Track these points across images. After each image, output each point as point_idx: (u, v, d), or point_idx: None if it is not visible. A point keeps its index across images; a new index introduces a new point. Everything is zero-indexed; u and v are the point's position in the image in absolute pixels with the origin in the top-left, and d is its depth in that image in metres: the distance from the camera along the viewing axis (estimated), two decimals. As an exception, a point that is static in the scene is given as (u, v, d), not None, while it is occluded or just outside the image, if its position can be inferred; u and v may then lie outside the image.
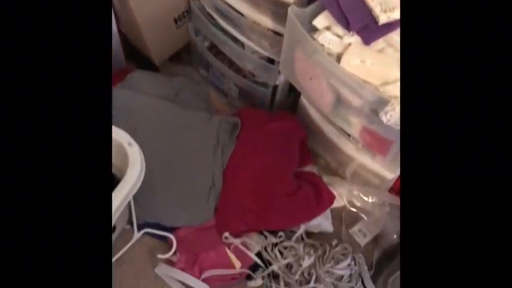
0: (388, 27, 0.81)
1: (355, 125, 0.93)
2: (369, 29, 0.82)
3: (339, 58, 0.85)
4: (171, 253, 1.09)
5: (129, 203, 1.03)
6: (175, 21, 1.25)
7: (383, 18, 0.79)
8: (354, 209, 1.18)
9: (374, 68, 0.82)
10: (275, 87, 1.22)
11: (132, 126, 1.09)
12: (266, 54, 1.12)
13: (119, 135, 0.96)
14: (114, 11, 1.15)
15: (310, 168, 1.19)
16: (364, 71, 0.82)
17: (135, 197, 0.97)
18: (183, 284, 1.08)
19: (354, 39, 0.84)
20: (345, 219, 1.21)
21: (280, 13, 1.01)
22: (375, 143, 0.93)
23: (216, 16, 1.17)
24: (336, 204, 1.16)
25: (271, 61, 1.14)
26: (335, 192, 1.14)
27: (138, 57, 1.33)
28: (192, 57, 1.39)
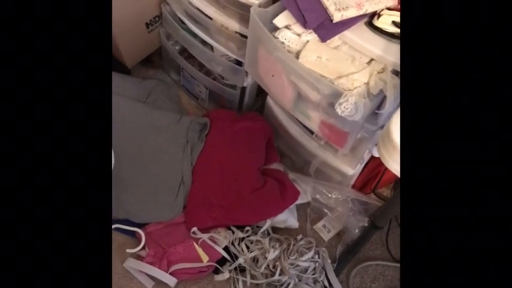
0: (343, 25, 0.87)
1: (315, 119, 0.99)
2: (325, 27, 0.88)
3: (297, 55, 0.91)
4: (139, 248, 1.12)
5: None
6: (147, 25, 1.30)
7: (337, 17, 0.86)
8: (318, 205, 1.23)
9: (329, 63, 0.88)
10: (243, 89, 1.27)
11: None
12: (234, 56, 1.18)
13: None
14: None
15: (276, 165, 1.23)
16: (321, 66, 0.88)
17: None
18: (151, 277, 1.11)
19: (312, 37, 0.90)
20: (309, 215, 1.25)
21: (246, 16, 1.07)
22: (332, 135, 0.98)
23: (186, 20, 1.22)
24: (301, 200, 1.21)
25: (239, 63, 1.20)
26: (300, 189, 1.19)
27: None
28: (163, 61, 1.43)
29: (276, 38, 0.92)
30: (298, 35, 0.91)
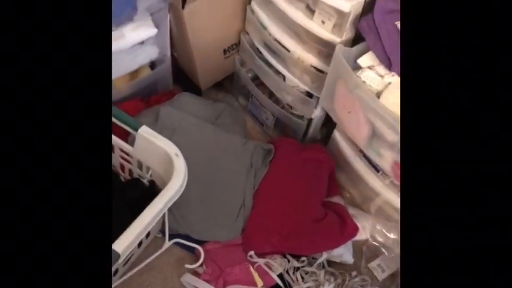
0: (427, 71, 0.89)
1: (387, 158, 1.00)
2: (408, 71, 0.90)
3: (378, 95, 0.93)
4: (198, 264, 1.15)
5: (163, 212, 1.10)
6: (225, 51, 1.36)
7: (423, 63, 0.88)
8: (375, 243, 1.23)
9: (411, 106, 0.89)
10: (310, 120, 1.30)
11: (175, 142, 1.18)
12: (306, 88, 1.21)
13: (167, 145, 1.04)
14: (170, 37, 1.26)
15: (336, 199, 1.24)
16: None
17: (169, 208, 1.03)
18: (206, 295, 1.13)
19: (394, 79, 0.93)
20: (365, 252, 1.25)
21: (324, 52, 1.11)
22: (404, 176, 0.99)
23: (263, 50, 1.27)
24: (359, 236, 1.21)
25: (309, 95, 1.23)
26: (359, 225, 1.20)
27: (184, 81, 1.44)
28: (233, 86, 1.49)
29: (358, 76, 0.95)
30: (381, 76, 0.94)
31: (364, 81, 0.94)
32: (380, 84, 0.93)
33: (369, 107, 0.94)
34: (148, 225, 0.94)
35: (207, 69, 1.37)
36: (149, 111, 1.28)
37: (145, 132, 1.03)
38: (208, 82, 1.43)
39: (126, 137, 1.11)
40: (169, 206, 1.01)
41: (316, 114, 1.27)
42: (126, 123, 1.03)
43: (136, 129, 1.02)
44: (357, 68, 0.97)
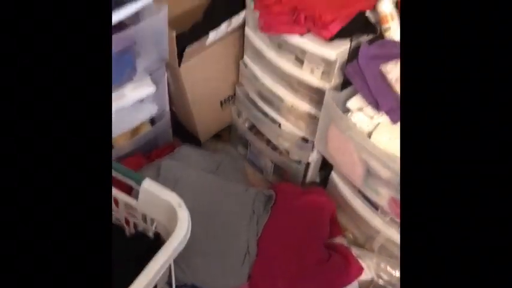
0: (413, 109, 0.94)
1: (384, 195, 1.03)
2: (396, 111, 0.95)
3: (369, 135, 0.98)
4: (205, 315, 1.14)
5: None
6: (221, 103, 1.42)
7: (408, 102, 0.93)
8: (381, 282, 1.23)
9: (401, 143, 0.93)
10: (308, 164, 1.34)
11: (178, 193, 1.21)
12: (301, 134, 1.26)
13: (170, 196, 1.06)
14: (168, 93, 1.32)
15: (339, 239, 1.26)
16: (393, 146, 0.94)
17: (175, 259, 1.04)
18: None
19: (383, 119, 0.97)
20: (372, 292, 1.25)
21: (315, 98, 1.16)
22: (402, 212, 1.01)
23: (257, 100, 1.33)
24: (364, 276, 1.21)
25: (305, 140, 1.28)
26: (363, 264, 1.20)
27: (184, 134, 1.49)
28: (232, 136, 1.54)
29: (348, 119, 0.99)
30: (371, 117, 0.98)
31: (354, 123, 0.99)
32: (370, 124, 0.98)
33: (362, 147, 0.98)
34: (154, 278, 0.95)
35: (205, 121, 1.43)
36: (151, 165, 1.32)
37: (148, 185, 1.06)
38: (207, 134, 1.48)
39: (130, 192, 1.14)
40: (174, 257, 1.03)
41: (313, 158, 1.31)
42: (129, 177, 1.06)
43: (139, 183, 1.06)
44: (347, 110, 1.02)
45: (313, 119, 1.20)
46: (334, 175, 1.28)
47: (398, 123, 0.96)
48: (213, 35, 1.21)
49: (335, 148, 1.09)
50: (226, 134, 1.55)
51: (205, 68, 1.30)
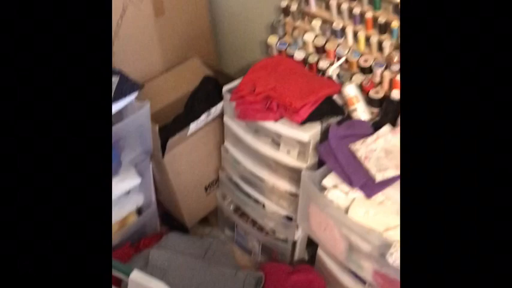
0: (385, 183, 1.00)
1: (367, 269, 1.05)
2: (369, 186, 1.00)
3: (346, 210, 1.02)
4: None
5: None
6: (206, 189, 1.47)
7: (379, 177, 0.99)
8: None
9: (377, 217, 0.98)
10: (294, 243, 1.36)
11: (167, 282, 1.21)
12: (285, 213, 1.30)
13: (158, 287, 1.07)
14: (154, 183, 1.37)
15: (332, 317, 1.25)
16: (369, 220, 0.98)
17: None
18: None
19: (358, 194, 1.02)
20: None
21: (295, 177, 1.22)
22: (386, 284, 1.03)
23: (240, 182, 1.38)
24: None
25: (289, 219, 1.31)
26: None
27: (171, 221, 1.52)
28: (218, 219, 1.57)
29: (325, 196, 1.04)
30: (346, 192, 1.03)
31: (331, 200, 1.03)
32: (346, 200, 1.02)
33: (340, 222, 1.02)
34: None
35: (191, 207, 1.46)
36: (139, 257, 1.33)
37: (136, 276, 1.07)
38: (193, 219, 1.51)
39: (119, 284, 1.14)
40: None
41: (299, 235, 1.33)
42: (118, 270, 1.07)
43: (128, 275, 1.07)
44: (324, 188, 1.07)
45: (294, 197, 1.24)
46: (320, 251, 1.29)
47: (373, 197, 1.01)
48: (193, 126, 1.28)
49: (317, 225, 1.12)
50: (213, 218, 1.58)
51: (188, 157, 1.36)
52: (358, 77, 1.20)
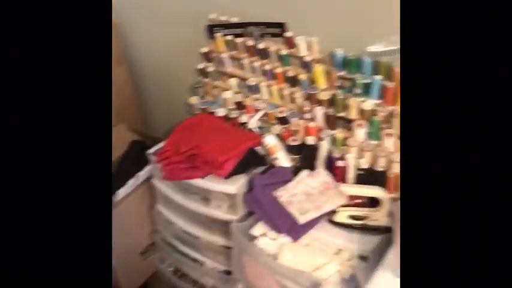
0: (308, 225, 1.04)
1: (305, 311, 1.07)
2: (294, 230, 1.05)
3: (276, 257, 1.05)
4: None
5: None
6: (142, 254, 1.45)
7: (302, 219, 1.03)
8: None
9: (304, 259, 1.01)
10: (237, 297, 1.36)
11: None
12: (222, 267, 1.31)
13: None
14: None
15: None
16: (298, 262, 1.02)
17: None
18: None
19: (285, 239, 1.06)
20: None
21: (228, 231, 1.24)
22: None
23: (176, 243, 1.38)
24: None
25: (228, 273, 1.32)
26: None
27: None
28: (160, 283, 1.53)
29: (256, 245, 1.07)
30: (274, 239, 1.07)
31: (261, 248, 1.06)
32: (275, 246, 1.06)
33: (272, 269, 1.04)
34: None
35: (128, 274, 1.43)
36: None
37: None
38: (132, 286, 1.47)
39: None
40: None
41: (240, 288, 1.34)
42: None
43: None
44: (254, 237, 1.10)
45: (230, 251, 1.26)
46: (263, 302, 1.30)
47: (299, 240, 1.05)
48: (122, 191, 1.29)
49: (253, 275, 1.14)
50: (154, 282, 1.55)
51: (120, 223, 1.35)
52: (276, 128, 1.28)
